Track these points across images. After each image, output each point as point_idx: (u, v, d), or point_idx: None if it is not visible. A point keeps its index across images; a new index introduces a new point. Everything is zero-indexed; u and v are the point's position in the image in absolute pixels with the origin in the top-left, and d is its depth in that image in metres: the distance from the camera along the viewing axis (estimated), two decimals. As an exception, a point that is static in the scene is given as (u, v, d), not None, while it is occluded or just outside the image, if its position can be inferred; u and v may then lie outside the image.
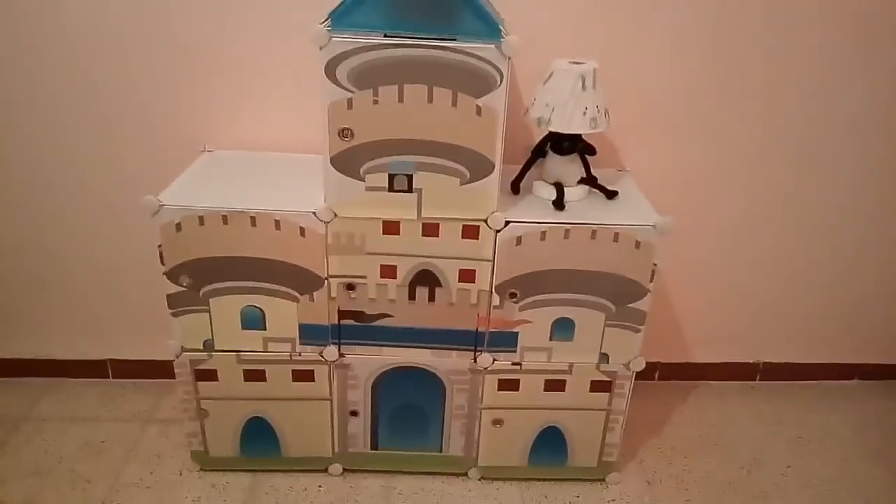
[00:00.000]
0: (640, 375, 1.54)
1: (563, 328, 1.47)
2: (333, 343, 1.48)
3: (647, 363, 1.52)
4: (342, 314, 1.46)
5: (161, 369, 1.86)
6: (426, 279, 1.43)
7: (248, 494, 1.58)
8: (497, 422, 1.57)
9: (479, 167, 1.32)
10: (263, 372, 1.51)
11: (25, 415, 1.80)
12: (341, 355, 1.50)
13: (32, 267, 1.79)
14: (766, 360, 2.05)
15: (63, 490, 1.57)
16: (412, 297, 1.44)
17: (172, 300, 1.43)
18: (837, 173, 1.79)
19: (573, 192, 1.47)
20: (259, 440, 1.59)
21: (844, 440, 1.86)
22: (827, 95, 1.69)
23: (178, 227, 1.36)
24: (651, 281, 1.42)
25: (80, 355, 1.92)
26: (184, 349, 1.48)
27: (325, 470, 1.64)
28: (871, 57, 1.65)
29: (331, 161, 1.31)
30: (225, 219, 1.35)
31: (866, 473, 1.75)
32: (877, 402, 2.02)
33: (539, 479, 1.66)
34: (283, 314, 1.45)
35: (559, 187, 1.44)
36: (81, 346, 1.91)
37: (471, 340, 1.49)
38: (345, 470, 1.64)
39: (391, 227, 1.38)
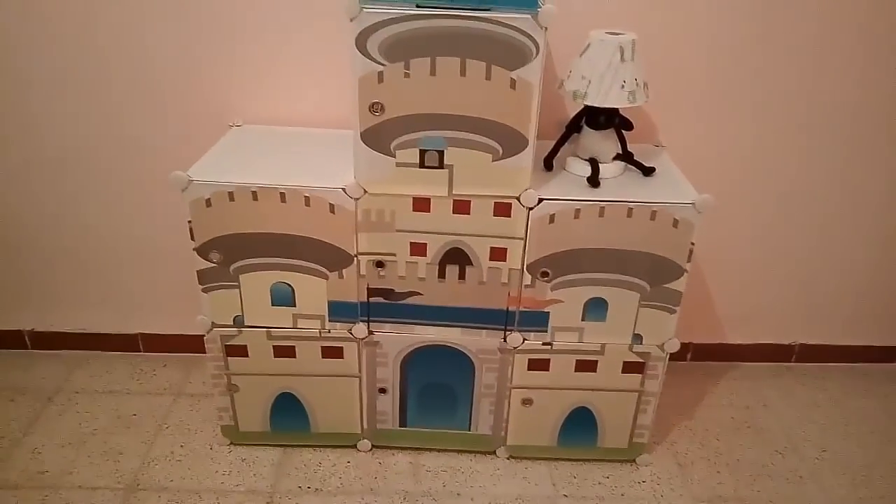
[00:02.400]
0: (673, 356, 1.51)
1: (595, 308, 1.44)
2: (363, 320, 1.47)
3: (680, 344, 1.49)
4: (371, 292, 1.45)
5: (192, 343, 1.88)
6: (456, 257, 1.40)
7: (277, 469, 1.60)
8: (526, 401, 1.56)
9: (512, 143, 1.29)
10: (293, 348, 1.51)
11: (59, 387, 1.83)
12: (370, 333, 1.49)
13: (64, 242, 1.81)
14: (802, 342, 2.01)
15: (96, 461, 1.60)
16: (442, 275, 1.42)
17: (203, 276, 1.43)
18: (881, 152, 1.72)
19: (608, 169, 1.43)
20: (288, 416, 1.59)
21: (882, 425, 1.81)
22: (873, 73, 1.62)
23: (208, 202, 1.35)
24: (688, 261, 1.39)
25: (112, 329, 1.94)
26: (214, 325, 1.48)
27: (354, 446, 1.64)
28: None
29: (361, 136, 1.29)
30: (255, 195, 1.34)
31: (905, 459, 1.71)
32: (917, 386, 1.97)
33: (568, 460, 1.64)
34: (313, 291, 1.44)
35: (594, 163, 1.40)
36: (113, 320, 1.93)
37: (501, 320, 1.47)
38: (373, 446, 1.65)
39: (421, 204, 1.35)
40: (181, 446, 1.65)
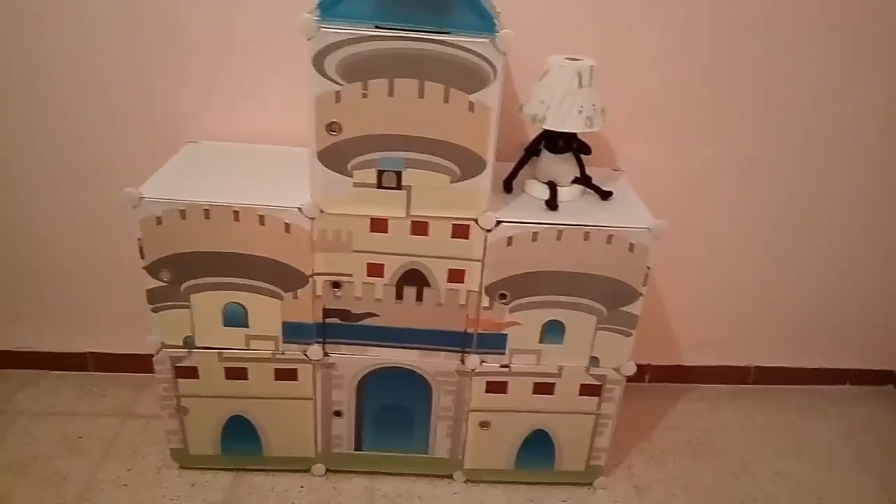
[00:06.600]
0: (631, 378, 1.51)
1: (553, 331, 1.44)
2: (318, 342, 1.45)
3: (637, 365, 1.50)
4: (327, 313, 1.42)
5: (142, 363, 1.81)
6: (414, 278, 1.39)
7: (228, 494, 1.55)
8: (484, 424, 1.54)
9: (470, 165, 1.29)
10: (245, 370, 1.47)
11: (2, 408, 1.76)
12: (326, 354, 1.46)
13: (11, 258, 1.75)
14: (758, 364, 2.03)
15: (38, 487, 1.53)
16: (399, 296, 1.41)
17: (152, 295, 1.39)
18: (836, 178, 1.76)
19: (567, 192, 1.43)
20: (240, 439, 1.55)
21: (835, 446, 1.84)
22: (828, 95, 1.66)
23: (159, 220, 1.31)
24: (644, 284, 1.39)
25: (60, 348, 1.87)
26: (164, 345, 1.44)
27: (308, 470, 1.61)
28: (873, 56, 1.62)
29: (317, 156, 1.27)
30: (207, 213, 1.31)
31: (856, 480, 1.73)
32: (868, 407, 2.00)
33: (525, 483, 1.63)
34: (267, 312, 1.41)
35: (553, 187, 1.41)
36: (61, 339, 1.86)
37: (459, 342, 1.46)
38: (328, 470, 1.61)
39: (379, 225, 1.34)
40: (128, 470, 1.60)
